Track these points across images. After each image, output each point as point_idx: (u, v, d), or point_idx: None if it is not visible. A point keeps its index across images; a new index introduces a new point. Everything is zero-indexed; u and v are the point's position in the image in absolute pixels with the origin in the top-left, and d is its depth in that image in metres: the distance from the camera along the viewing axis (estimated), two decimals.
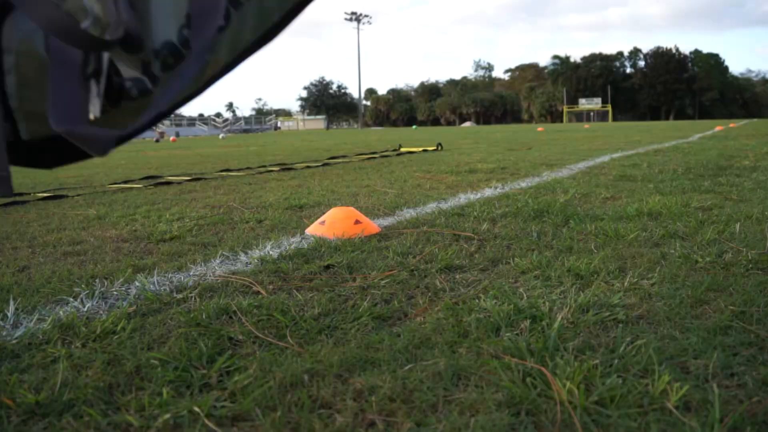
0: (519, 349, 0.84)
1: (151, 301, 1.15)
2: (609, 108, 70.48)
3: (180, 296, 1.19)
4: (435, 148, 6.89)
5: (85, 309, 1.15)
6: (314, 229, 1.83)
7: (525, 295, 1.11)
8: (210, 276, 1.35)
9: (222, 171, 4.57)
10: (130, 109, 0.70)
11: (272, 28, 0.72)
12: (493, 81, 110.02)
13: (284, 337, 0.95)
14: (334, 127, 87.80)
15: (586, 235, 1.66)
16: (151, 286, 1.27)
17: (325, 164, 4.93)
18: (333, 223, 1.80)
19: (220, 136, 33.66)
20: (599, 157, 4.93)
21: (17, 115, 0.70)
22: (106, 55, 0.67)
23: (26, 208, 2.76)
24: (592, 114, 72.54)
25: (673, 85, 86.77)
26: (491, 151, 6.33)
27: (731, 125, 17.00)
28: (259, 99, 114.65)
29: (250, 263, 1.46)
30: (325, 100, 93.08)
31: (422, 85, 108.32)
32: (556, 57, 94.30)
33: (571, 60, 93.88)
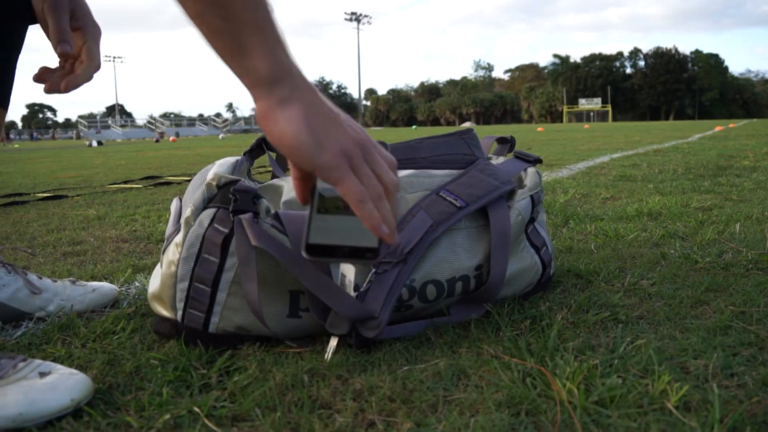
0: (519, 349, 0.84)
1: None
2: (609, 108, 70.51)
3: None
4: None
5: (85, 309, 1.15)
6: None
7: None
8: None
9: None
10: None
11: None
12: (493, 81, 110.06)
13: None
14: None
15: (586, 235, 1.66)
16: None
17: None
18: None
19: (220, 136, 33.69)
20: (599, 157, 4.93)
21: (216, 308, 0.88)
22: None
23: (26, 208, 2.76)
24: (591, 114, 72.61)
25: (672, 85, 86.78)
26: None
27: (731, 125, 17.00)
28: None
29: None
30: None
31: (422, 85, 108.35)
32: (556, 57, 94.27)
33: (571, 60, 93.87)
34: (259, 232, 0.84)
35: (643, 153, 5.27)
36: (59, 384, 0.71)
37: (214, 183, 0.90)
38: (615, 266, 1.30)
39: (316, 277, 0.84)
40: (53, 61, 0.92)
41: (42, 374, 0.73)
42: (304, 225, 0.67)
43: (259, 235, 0.83)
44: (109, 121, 61.09)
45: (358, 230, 0.68)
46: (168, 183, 3.83)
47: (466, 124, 62.23)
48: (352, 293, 0.88)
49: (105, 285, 1.18)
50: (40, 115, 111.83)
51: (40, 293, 1.08)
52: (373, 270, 0.89)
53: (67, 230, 2.09)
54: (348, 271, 0.89)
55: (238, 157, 1.04)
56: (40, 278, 1.12)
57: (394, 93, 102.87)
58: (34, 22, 0.97)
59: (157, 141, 23.90)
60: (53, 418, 0.70)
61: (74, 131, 54.35)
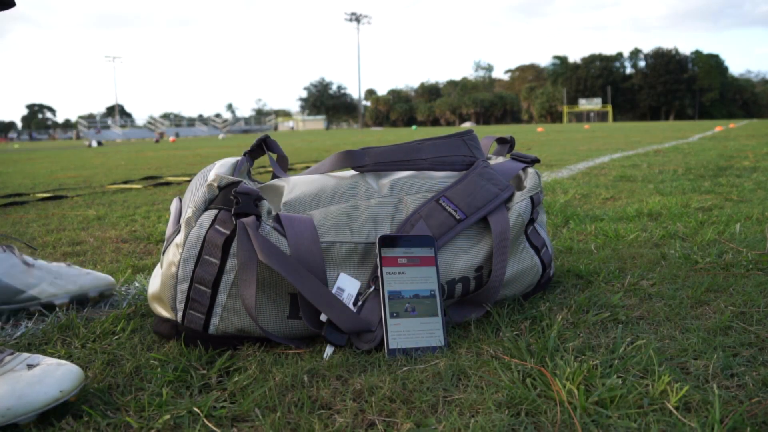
0: (519, 350, 0.84)
1: None
2: (609, 108, 70.50)
3: None
4: None
5: (85, 309, 1.15)
6: None
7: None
8: None
9: None
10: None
11: None
12: (493, 81, 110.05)
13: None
14: (334, 127, 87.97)
15: (586, 236, 1.66)
16: None
17: None
18: None
19: (220, 136, 33.74)
20: (599, 157, 4.93)
21: (216, 310, 0.89)
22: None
23: (26, 209, 2.76)
24: (592, 114, 72.64)
25: (673, 86, 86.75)
26: None
27: (731, 126, 17.00)
28: (259, 99, 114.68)
29: None
30: (325, 101, 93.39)
31: (422, 85, 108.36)
32: (556, 57, 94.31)
33: (571, 60, 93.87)
34: (264, 242, 0.84)
35: (643, 153, 5.27)
36: (47, 376, 0.70)
37: (216, 184, 0.90)
38: (615, 266, 1.30)
39: (317, 288, 0.84)
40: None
41: (30, 366, 0.72)
42: (383, 329, 0.86)
43: (263, 247, 0.83)
44: (109, 122, 61.14)
45: (427, 331, 0.88)
46: (168, 183, 3.83)
47: (466, 125, 62.27)
48: (351, 306, 0.89)
49: (101, 273, 1.19)
50: (40, 116, 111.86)
51: (33, 267, 1.11)
52: (372, 287, 0.90)
53: (66, 230, 2.09)
54: (348, 285, 0.90)
55: (239, 158, 1.04)
56: (35, 260, 1.14)
57: (394, 93, 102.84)
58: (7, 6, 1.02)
59: (156, 141, 23.92)
60: (48, 410, 0.69)
61: (74, 131, 54.39)
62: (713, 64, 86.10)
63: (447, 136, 1.08)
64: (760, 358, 0.81)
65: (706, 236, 1.55)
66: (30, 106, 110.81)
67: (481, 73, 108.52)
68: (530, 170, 1.13)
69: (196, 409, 0.71)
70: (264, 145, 1.12)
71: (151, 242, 1.81)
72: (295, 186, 0.99)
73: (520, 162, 1.15)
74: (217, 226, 0.87)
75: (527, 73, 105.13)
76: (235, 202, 0.87)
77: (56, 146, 21.57)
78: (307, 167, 4.65)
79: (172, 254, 0.90)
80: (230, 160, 1.01)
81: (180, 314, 0.90)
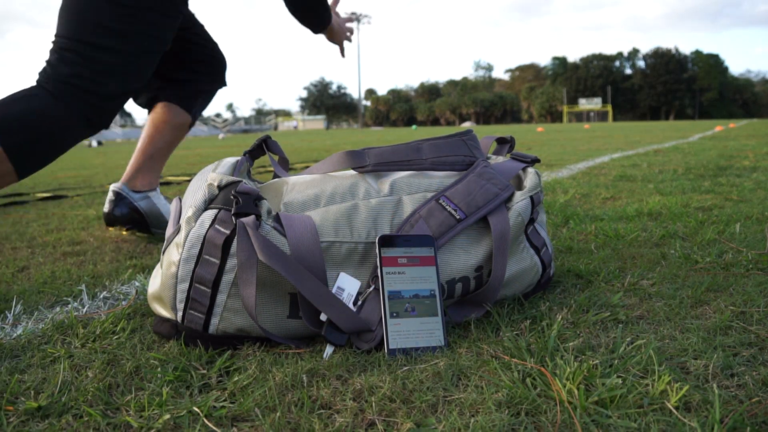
0: (519, 349, 0.84)
1: None
2: (609, 108, 70.53)
3: None
4: None
5: (85, 309, 1.15)
6: None
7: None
8: None
9: None
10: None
11: None
12: (493, 81, 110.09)
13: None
14: (334, 127, 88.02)
15: (586, 236, 1.66)
16: None
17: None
18: None
19: (220, 136, 33.75)
20: (599, 157, 4.93)
21: (216, 309, 0.89)
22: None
23: (26, 209, 2.76)
24: (591, 114, 72.65)
25: (672, 86, 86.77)
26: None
27: (731, 125, 17.00)
28: (259, 99, 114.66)
29: None
30: (325, 101, 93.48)
31: (422, 85, 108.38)
32: (555, 58, 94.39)
33: (571, 60, 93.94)
34: (263, 242, 0.84)
35: (643, 153, 5.27)
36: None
37: (215, 184, 0.90)
38: (615, 266, 1.30)
39: (317, 288, 0.84)
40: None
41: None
42: (383, 329, 0.86)
43: (263, 247, 0.83)
44: None
45: (426, 331, 0.88)
46: (168, 183, 3.82)
47: (466, 125, 62.25)
48: (351, 306, 0.89)
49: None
50: None
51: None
52: (372, 287, 0.90)
53: (66, 230, 2.09)
54: (348, 284, 0.90)
55: (239, 158, 1.04)
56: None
57: (394, 93, 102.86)
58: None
59: None
60: None
61: None
62: (713, 63, 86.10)
63: (447, 136, 1.08)
64: (760, 358, 0.81)
65: (706, 236, 1.55)
66: None
67: (481, 72, 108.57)
68: (530, 170, 1.13)
69: (196, 409, 0.71)
70: (264, 146, 1.12)
71: (152, 242, 1.81)
72: (295, 186, 0.99)
73: (520, 162, 1.15)
74: (217, 226, 0.87)
75: (527, 73, 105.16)
76: (235, 201, 0.87)
77: None
78: (307, 167, 4.65)
79: (171, 254, 0.90)
80: (230, 160, 1.01)
81: (180, 314, 0.90)
